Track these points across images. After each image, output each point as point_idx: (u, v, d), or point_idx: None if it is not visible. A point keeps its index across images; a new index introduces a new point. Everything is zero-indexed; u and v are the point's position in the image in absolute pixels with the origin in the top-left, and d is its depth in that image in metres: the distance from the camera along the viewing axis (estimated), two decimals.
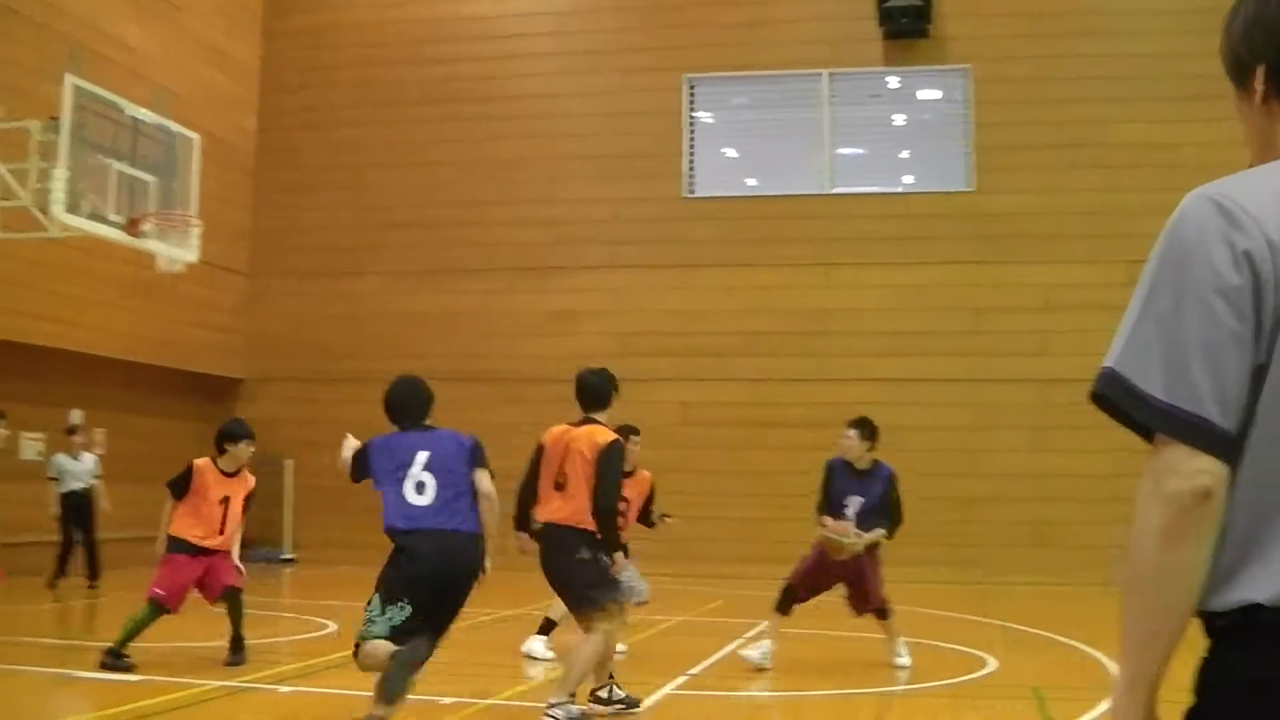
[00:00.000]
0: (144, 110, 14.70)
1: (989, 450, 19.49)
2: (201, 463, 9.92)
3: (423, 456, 6.89)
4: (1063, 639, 11.88)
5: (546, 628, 10.10)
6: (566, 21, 21.96)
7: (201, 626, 11.52)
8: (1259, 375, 1.75)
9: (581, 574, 7.53)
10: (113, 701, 8.15)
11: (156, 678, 8.74)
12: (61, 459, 16.08)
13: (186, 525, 9.70)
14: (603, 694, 7.88)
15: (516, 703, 8.20)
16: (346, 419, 19.50)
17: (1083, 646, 11.22)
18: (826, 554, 9.61)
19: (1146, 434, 1.81)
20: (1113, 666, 9.53)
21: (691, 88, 21.45)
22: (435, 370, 20.88)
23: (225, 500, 9.89)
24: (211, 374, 21.71)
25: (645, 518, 10.57)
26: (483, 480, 6.95)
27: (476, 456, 7.02)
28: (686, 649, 10.67)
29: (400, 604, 6.64)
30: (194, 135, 15.36)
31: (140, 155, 14.51)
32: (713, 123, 21.80)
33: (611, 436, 7.71)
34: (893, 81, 21.23)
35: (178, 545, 9.65)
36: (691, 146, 21.37)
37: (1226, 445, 1.74)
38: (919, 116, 21.49)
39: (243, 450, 10.01)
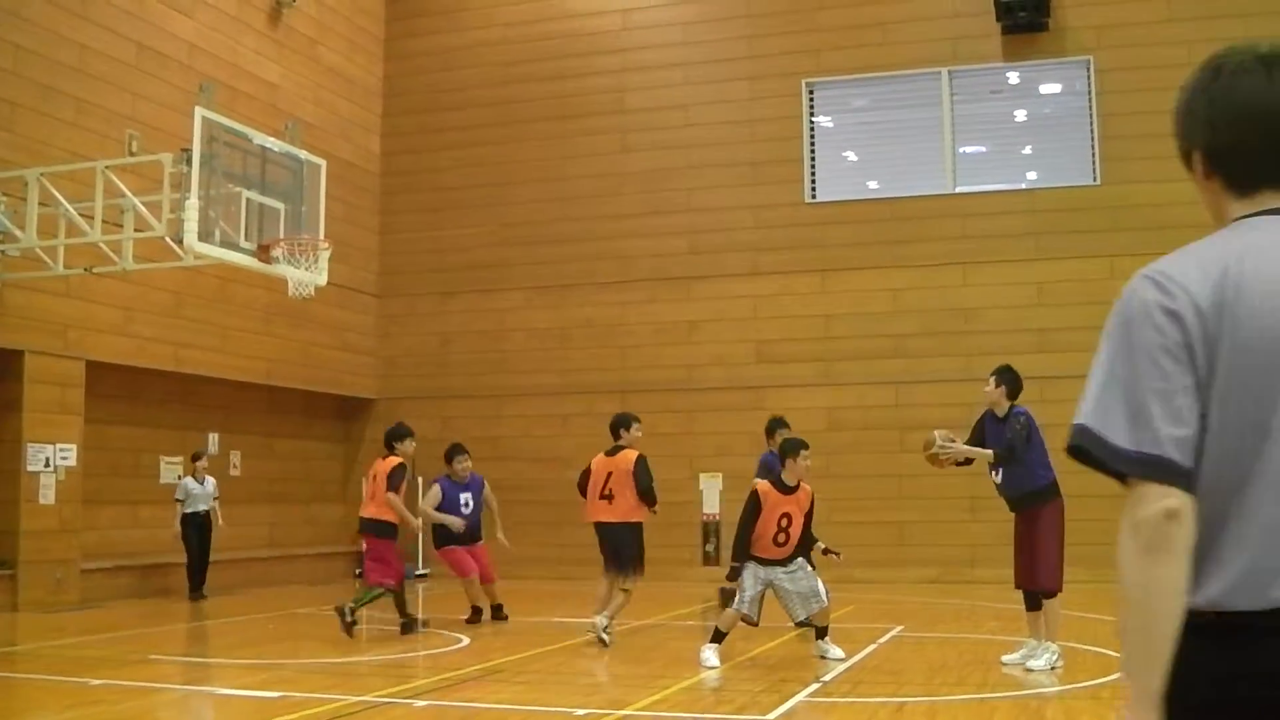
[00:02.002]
0: (271, 138, 15.05)
1: None
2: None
3: None
4: None
5: (718, 637, 10.33)
6: (691, 32, 21.91)
7: (335, 643, 11.73)
8: (1204, 418, 2.04)
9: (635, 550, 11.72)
10: (249, 717, 8.33)
11: (293, 694, 8.89)
12: (189, 482, 17.26)
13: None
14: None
15: (650, 713, 8.18)
16: (479, 436, 19.93)
17: None
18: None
19: (1120, 478, 2.06)
20: None
21: (811, 92, 21.32)
22: (576, 384, 21.19)
23: None
24: (347, 395, 22.12)
25: (806, 536, 10.52)
26: None
27: None
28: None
29: None
30: (320, 160, 15.66)
31: (269, 182, 14.85)
32: (832, 127, 21.63)
33: (636, 453, 11.79)
34: (1013, 77, 20.84)
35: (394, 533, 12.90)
36: (812, 151, 21.22)
37: (1187, 478, 2.02)
38: (1040, 111, 21.08)
39: (409, 446, 13.38)
